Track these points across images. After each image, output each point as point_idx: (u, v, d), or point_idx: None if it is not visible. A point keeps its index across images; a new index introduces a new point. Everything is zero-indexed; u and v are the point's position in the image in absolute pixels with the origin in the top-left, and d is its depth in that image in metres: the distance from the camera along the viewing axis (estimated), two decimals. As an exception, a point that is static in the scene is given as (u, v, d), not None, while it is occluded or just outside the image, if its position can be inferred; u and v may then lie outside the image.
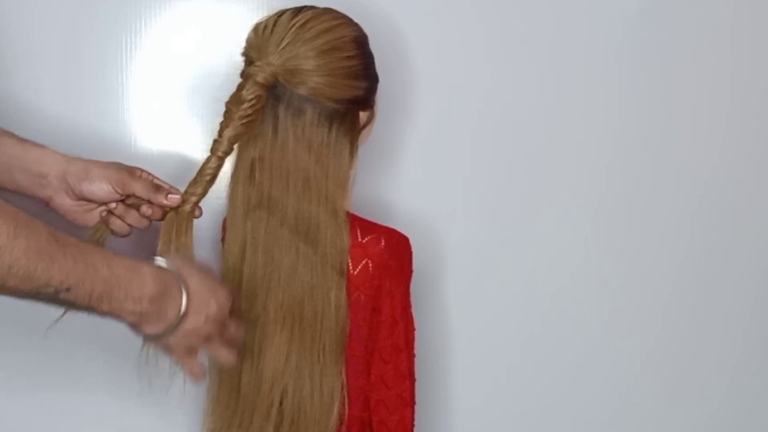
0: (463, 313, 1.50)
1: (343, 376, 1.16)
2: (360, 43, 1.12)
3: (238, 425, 1.16)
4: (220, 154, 1.08)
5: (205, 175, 1.09)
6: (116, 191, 1.10)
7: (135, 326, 0.94)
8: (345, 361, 1.15)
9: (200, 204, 1.12)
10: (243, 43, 1.11)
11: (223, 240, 1.19)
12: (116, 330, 1.35)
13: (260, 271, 1.12)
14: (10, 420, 1.40)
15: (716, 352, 1.60)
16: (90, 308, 0.88)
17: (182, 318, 0.94)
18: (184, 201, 1.10)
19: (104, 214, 1.12)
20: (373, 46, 1.14)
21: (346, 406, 1.16)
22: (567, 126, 1.48)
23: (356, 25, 1.13)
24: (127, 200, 1.12)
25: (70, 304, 0.87)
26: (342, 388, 1.16)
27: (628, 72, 1.48)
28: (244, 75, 1.08)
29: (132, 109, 1.35)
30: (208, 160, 1.09)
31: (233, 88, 1.08)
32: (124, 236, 1.13)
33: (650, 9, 1.46)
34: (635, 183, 1.52)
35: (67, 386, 1.40)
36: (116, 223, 1.12)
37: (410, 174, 1.44)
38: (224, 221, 1.18)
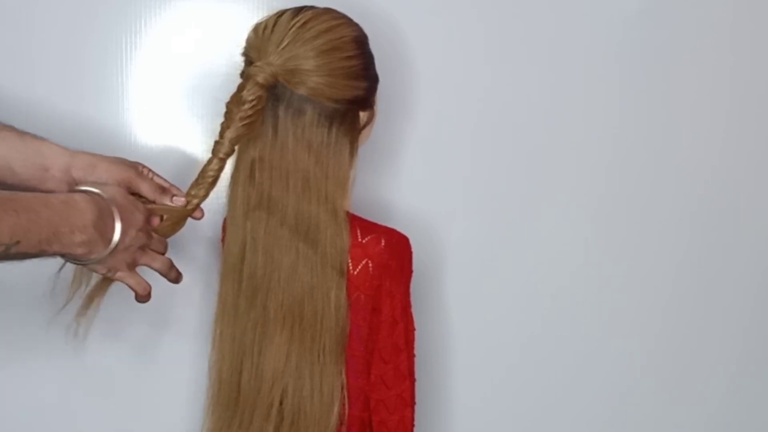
0: (463, 313, 1.50)
1: (343, 376, 1.16)
2: (360, 43, 1.12)
3: (238, 425, 1.16)
4: (221, 155, 1.08)
5: (207, 177, 1.09)
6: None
7: (84, 255, 0.98)
8: (345, 361, 1.15)
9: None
10: (243, 43, 1.11)
11: (223, 240, 1.19)
12: (115, 330, 1.36)
13: (260, 271, 1.12)
14: (7, 421, 1.40)
15: (716, 352, 1.60)
16: (41, 253, 0.93)
17: (121, 233, 1.00)
18: (187, 203, 1.11)
19: None
20: (373, 46, 1.14)
21: (346, 406, 1.16)
22: (567, 126, 1.48)
23: (356, 25, 1.12)
24: None
25: (22, 256, 0.91)
26: (342, 388, 1.16)
27: (628, 72, 1.48)
28: (245, 75, 1.08)
29: (132, 109, 1.35)
30: (209, 161, 1.09)
31: (233, 88, 1.08)
32: None
33: (650, 9, 1.46)
34: (635, 183, 1.52)
35: (66, 386, 1.40)
36: None
37: (410, 174, 1.44)
38: (224, 221, 1.18)
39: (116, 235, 1.00)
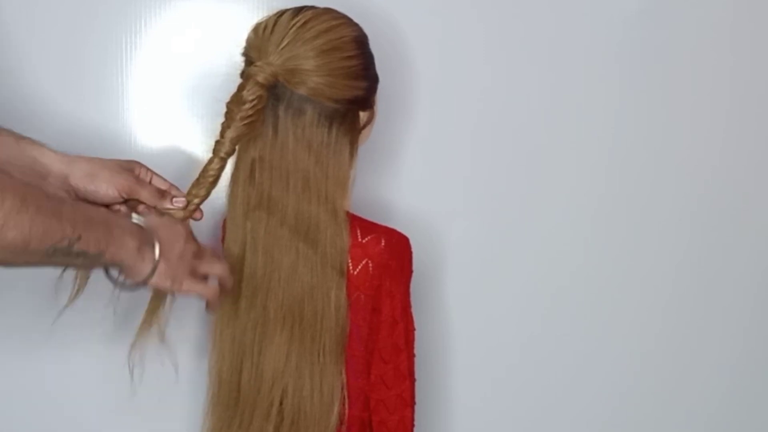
0: (463, 313, 1.50)
1: (343, 376, 1.16)
2: (360, 43, 1.12)
3: (238, 425, 1.17)
4: (222, 155, 1.08)
5: (208, 177, 1.09)
6: (121, 196, 1.10)
7: (133, 267, 0.98)
8: (345, 361, 1.15)
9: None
10: (243, 43, 1.11)
11: (223, 240, 1.19)
12: (117, 330, 1.35)
13: (260, 271, 1.12)
14: (8, 419, 1.40)
15: (716, 352, 1.60)
16: (99, 255, 0.93)
17: (162, 245, 1.00)
18: (187, 203, 1.11)
19: None
20: (373, 46, 1.14)
21: (346, 406, 1.16)
22: (567, 126, 1.48)
23: (356, 25, 1.13)
24: (127, 203, 1.11)
25: (82, 256, 0.91)
26: (342, 388, 1.16)
27: (628, 72, 1.48)
28: (245, 75, 1.08)
29: (132, 109, 1.35)
30: (210, 161, 1.09)
31: (233, 88, 1.08)
32: None
33: (650, 9, 1.46)
34: (635, 183, 1.52)
35: (67, 387, 1.40)
36: None
37: (410, 174, 1.44)
38: (224, 221, 1.18)
39: (156, 247, 1.00)
